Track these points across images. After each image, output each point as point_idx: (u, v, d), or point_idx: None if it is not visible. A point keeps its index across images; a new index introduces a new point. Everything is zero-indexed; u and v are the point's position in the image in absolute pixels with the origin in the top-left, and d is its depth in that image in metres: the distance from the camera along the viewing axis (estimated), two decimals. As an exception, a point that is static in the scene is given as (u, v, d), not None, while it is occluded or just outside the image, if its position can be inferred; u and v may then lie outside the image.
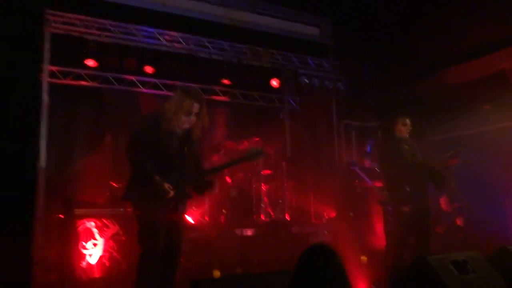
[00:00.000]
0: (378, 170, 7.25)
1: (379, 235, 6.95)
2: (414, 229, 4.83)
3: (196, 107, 3.63)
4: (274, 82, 9.12)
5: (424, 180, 4.86)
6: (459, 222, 6.50)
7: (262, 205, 7.17)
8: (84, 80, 8.15)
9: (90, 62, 7.77)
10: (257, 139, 7.46)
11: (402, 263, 4.75)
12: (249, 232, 6.36)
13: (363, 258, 6.49)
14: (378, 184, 7.53)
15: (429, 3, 9.18)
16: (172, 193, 3.51)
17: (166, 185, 3.49)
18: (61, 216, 5.88)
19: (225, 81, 8.87)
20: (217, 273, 5.71)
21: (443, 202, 6.88)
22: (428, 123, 8.50)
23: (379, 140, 8.98)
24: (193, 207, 7.06)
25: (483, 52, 8.64)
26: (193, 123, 3.68)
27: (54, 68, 7.67)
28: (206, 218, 6.92)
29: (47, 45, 7.05)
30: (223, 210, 6.77)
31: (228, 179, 7.23)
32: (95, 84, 8.22)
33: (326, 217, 7.85)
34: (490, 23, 8.39)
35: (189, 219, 6.88)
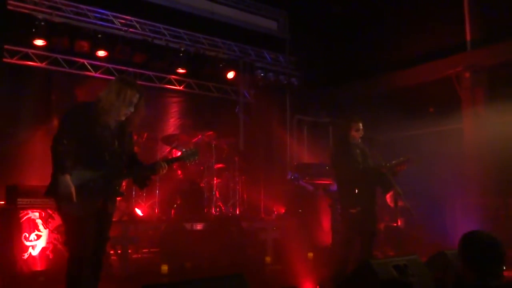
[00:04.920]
0: (328, 168, 7.41)
1: (326, 232, 7.15)
2: (360, 230, 4.97)
3: (137, 97, 3.35)
4: (230, 74, 9.06)
5: (372, 184, 5.02)
6: (399, 222, 6.75)
7: (213, 199, 7.16)
8: (32, 60, 7.76)
9: (39, 42, 7.42)
10: (211, 132, 7.40)
11: (346, 264, 4.91)
12: (199, 227, 6.36)
13: (310, 254, 6.67)
14: (327, 181, 7.71)
15: (384, 7, 9.45)
16: (72, 200, 3.12)
17: (72, 190, 3.11)
18: (2, 202, 5.62)
19: (181, 70, 8.73)
20: (164, 268, 5.69)
21: (389, 199, 7.10)
22: (377, 123, 8.73)
23: (330, 139, 9.21)
24: (142, 200, 6.98)
25: (432, 58, 9.00)
26: (129, 114, 3.38)
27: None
28: (156, 211, 6.84)
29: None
30: (174, 204, 6.70)
31: (179, 172, 7.15)
32: (44, 65, 7.86)
33: (276, 212, 7.98)
34: (440, 31, 8.75)
35: (138, 211, 6.78)
